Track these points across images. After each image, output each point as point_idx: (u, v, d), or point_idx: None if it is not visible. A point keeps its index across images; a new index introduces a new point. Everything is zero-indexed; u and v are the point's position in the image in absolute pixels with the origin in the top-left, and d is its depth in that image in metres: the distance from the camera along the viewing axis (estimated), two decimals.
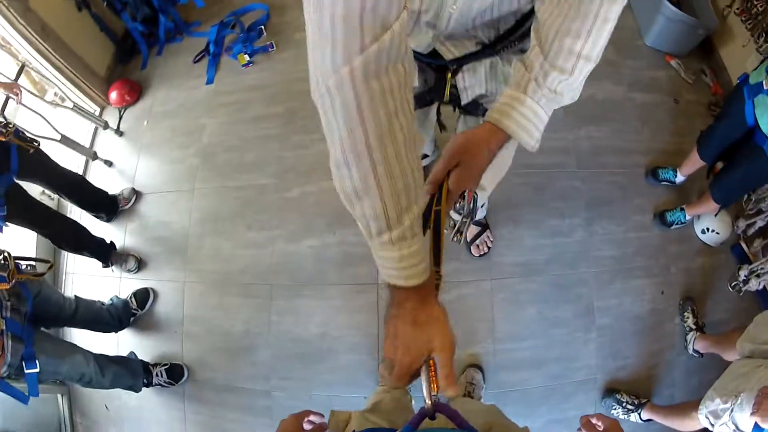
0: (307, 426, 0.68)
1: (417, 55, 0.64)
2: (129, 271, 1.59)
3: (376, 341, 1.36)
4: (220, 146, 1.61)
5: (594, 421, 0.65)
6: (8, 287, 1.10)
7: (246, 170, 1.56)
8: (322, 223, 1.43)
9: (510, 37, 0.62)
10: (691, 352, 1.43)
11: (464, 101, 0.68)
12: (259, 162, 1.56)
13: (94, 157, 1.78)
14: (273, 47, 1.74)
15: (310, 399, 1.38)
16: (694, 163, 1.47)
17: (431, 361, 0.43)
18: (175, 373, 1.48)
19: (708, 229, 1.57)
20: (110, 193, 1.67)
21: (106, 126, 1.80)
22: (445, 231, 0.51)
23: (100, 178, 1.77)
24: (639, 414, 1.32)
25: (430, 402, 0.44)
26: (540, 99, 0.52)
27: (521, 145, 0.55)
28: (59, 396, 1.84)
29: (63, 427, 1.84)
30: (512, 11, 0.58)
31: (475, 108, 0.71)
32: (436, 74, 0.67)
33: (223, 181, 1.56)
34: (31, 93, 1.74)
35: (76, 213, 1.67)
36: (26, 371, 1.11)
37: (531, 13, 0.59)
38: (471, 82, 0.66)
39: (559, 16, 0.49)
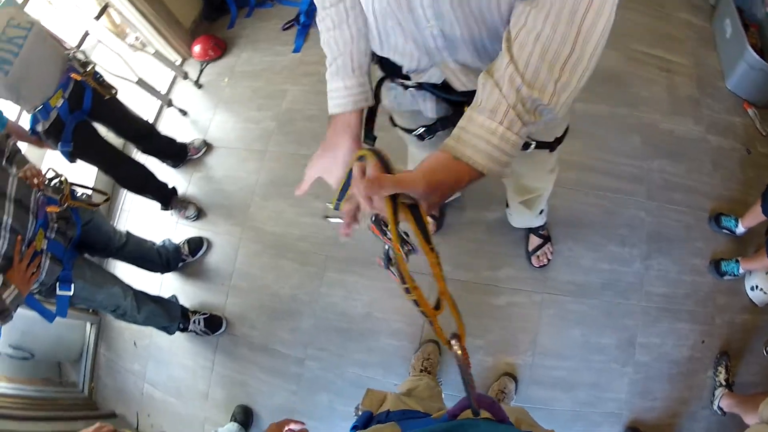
0: None
1: (432, 89, 0.64)
2: (187, 218, 1.62)
3: (419, 331, 1.36)
4: (300, 114, 1.64)
5: None
6: (58, 210, 1.12)
7: (321, 141, 1.58)
8: None
9: None
10: (715, 407, 1.39)
11: None
12: None
13: (169, 104, 1.82)
14: None
15: (341, 375, 1.38)
16: (756, 216, 1.44)
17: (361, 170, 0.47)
18: (213, 323, 1.50)
19: (757, 287, 1.53)
20: (180, 141, 1.70)
21: (185, 76, 1.85)
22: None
23: (172, 125, 1.81)
24: None
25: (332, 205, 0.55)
26: (518, 128, 0.44)
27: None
28: (88, 324, 1.89)
29: (85, 355, 1.88)
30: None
31: None
32: (452, 108, 0.66)
33: (297, 148, 1.59)
34: (111, 31, 1.79)
35: (142, 155, 1.71)
36: (58, 292, 1.12)
37: None
38: None
39: (535, 26, 0.43)
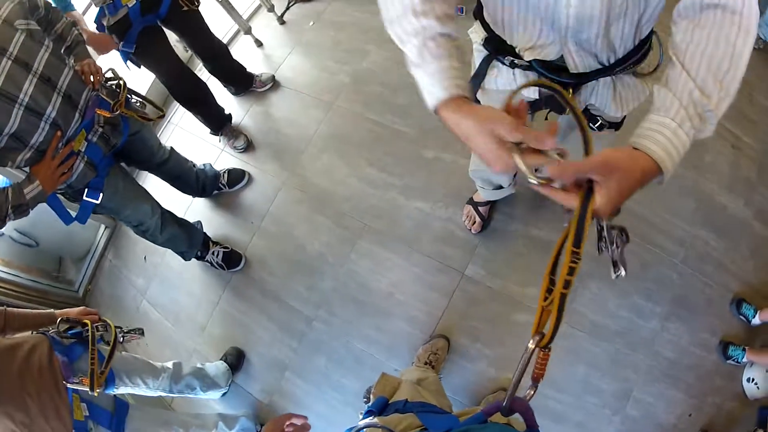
0: (288, 429, 0.67)
1: (541, 69, 0.64)
2: (235, 148, 1.59)
3: (435, 324, 1.36)
4: (376, 77, 1.61)
5: None
6: (109, 115, 1.07)
7: (392, 111, 1.56)
8: (441, 194, 1.43)
9: (629, 60, 0.63)
10: None
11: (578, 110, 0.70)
12: (408, 109, 1.55)
13: (248, 31, 1.78)
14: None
15: (345, 345, 1.37)
16: None
17: (516, 145, 0.46)
18: (231, 259, 1.47)
19: (752, 380, 1.55)
20: (249, 70, 1.67)
21: (271, 8, 1.80)
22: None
23: (245, 53, 1.77)
24: None
25: (532, 175, 0.46)
26: (688, 129, 0.49)
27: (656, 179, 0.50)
28: (101, 226, 1.85)
29: (90, 256, 1.85)
30: (632, 31, 0.58)
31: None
32: (555, 88, 0.66)
33: (365, 110, 1.56)
34: None
35: (204, 74, 1.68)
36: (85, 198, 1.07)
37: (648, 37, 0.63)
38: (585, 95, 0.69)
39: (700, 42, 0.49)
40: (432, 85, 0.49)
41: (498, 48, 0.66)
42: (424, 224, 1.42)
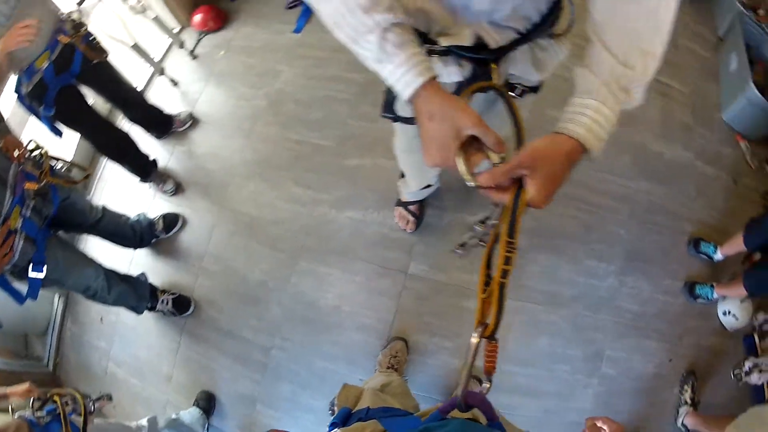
0: None
1: (460, 51, 0.62)
2: (165, 192, 1.58)
3: (388, 328, 1.35)
4: (290, 96, 1.60)
5: (600, 424, 0.63)
6: (37, 187, 1.06)
7: (309, 127, 1.56)
8: (370, 199, 1.42)
9: (545, 24, 0.62)
10: (679, 425, 1.42)
11: (500, 84, 0.69)
12: (324, 122, 1.55)
13: (162, 72, 1.77)
14: None
15: (306, 367, 1.37)
16: (735, 246, 1.47)
17: (463, 143, 0.48)
18: (181, 304, 1.46)
19: (729, 312, 1.56)
20: (167, 112, 1.66)
21: (181, 45, 1.79)
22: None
23: (161, 94, 1.76)
24: None
25: (470, 178, 0.49)
26: (612, 104, 0.50)
27: (588, 154, 0.52)
28: (56, 297, 1.84)
29: (51, 329, 1.83)
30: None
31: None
32: (478, 67, 0.66)
33: (283, 131, 1.56)
34: None
35: (126, 123, 1.67)
36: (30, 275, 1.07)
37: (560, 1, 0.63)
38: (504, 68, 0.68)
39: (620, 16, 0.49)
40: (405, 74, 0.48)
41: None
42: (359, 232, 1.41)
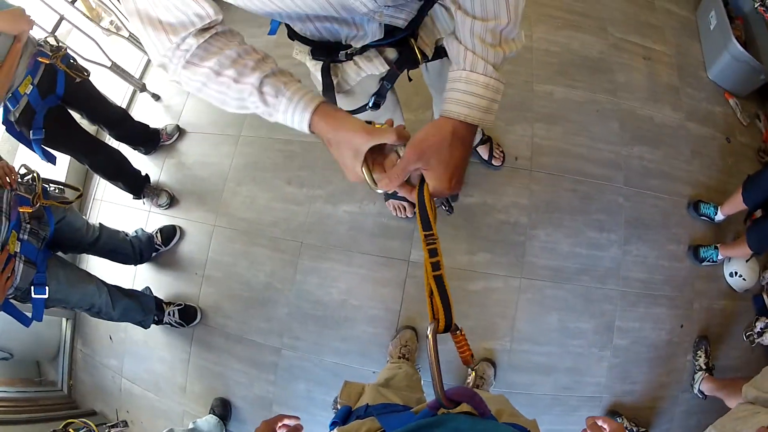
0: (281, 430, 0.67)
1: (375, 43, 0.63)
2: (160, 206, 1.58)
3: (396, 318, 1.35)
4: None
5: (600, 423, 0.62)
6: (31, 211, 1.08)
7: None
8: (364, 191, 1.42)
9: None
10: (695, 391, 1.42)
11: (431, 54, 0.69)
12: None
13: (143, 88, 1.77)
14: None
15: (318, 364, 1.37)
16: (736, 205, 1.45)
17: (367, 157, 0.49)
18: (187, 314, 1.46)
19: (736, 273, 1.55)
20: (153, 126, 1.66)
21: None
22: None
23: (145, 110, 1.76)
24: None
25: (374, 187, 0.50)
26: (483, 67, 0.48)
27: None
28: (63, 320, 1.84)
29: (62, 352, 1.83)
30: None
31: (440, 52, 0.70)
32: (398, 48, 0.66)
33: (270, 132, 1.55)
34: (86, 16, 1.73)
35: (114, 141, 1.67)
36: (33, 296, 1.09)
37: None
38: (427, 36, 0.68)
39: None
40: (293, 115, 0.50)
41: (329, 50, 0.65)
42: (357, 225, 1.41)
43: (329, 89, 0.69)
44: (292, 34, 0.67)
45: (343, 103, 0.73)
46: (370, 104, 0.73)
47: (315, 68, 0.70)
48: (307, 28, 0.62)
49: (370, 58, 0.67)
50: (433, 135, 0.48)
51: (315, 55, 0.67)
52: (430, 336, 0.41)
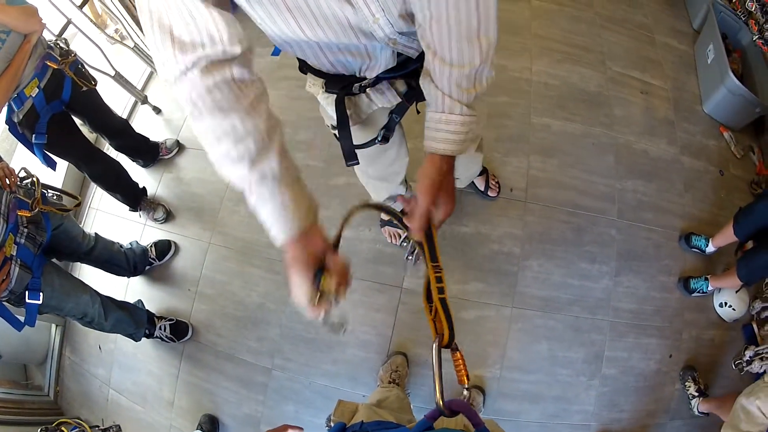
0: None
1: (387, 74, 0.64)
2: (156, 220, 1.58)
3: (387, 343, 1.35)
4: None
5: None
6: (29, 215, 1.08)
7: (296, 148, 1.56)
8: (360, 217, 1.42)
9: None
10: (697, 413, 1.44)
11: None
12: (311, 143, 1.55)
13: (144, 100, 1.77)
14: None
15: (309, 386, 1.37)
16: (727, 237, 1.48)
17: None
18: (178, 330, 1.46)
19: (726, 304, 1.57)
20: (152, 140, 1.66)
21: None
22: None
23: (145, 122, 1.76)
24: None
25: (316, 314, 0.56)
26: (460, 108, 0.53)
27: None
28: (53, 326, 1.83)
29: (50, 358, 1.82)
30: None
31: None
32: (408, 81, 0.69)
33: None
34: (92, 22, 1.73)
35: (112, 152, 1.67)
36: (27, 301, 1.08)
37: None
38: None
39: (441, 17, 0.47)
40: (275, 225, 0.52)
41: (344, 84, 0.66)
42: (352, 250, 1.41)
43: (343, 123, 0.70)
44: (305, 67, 0.68)
45: (357, 135, 0.74)
46: (379, 138, 0.75)
47: (326, 102, 0.72)
48: (320, 61, 0.63)
49: (381, 90, 0.69)
50: (432, 171, 0.55)
51: (329, 87, 0.68)
52: (434, 349, 0.47)
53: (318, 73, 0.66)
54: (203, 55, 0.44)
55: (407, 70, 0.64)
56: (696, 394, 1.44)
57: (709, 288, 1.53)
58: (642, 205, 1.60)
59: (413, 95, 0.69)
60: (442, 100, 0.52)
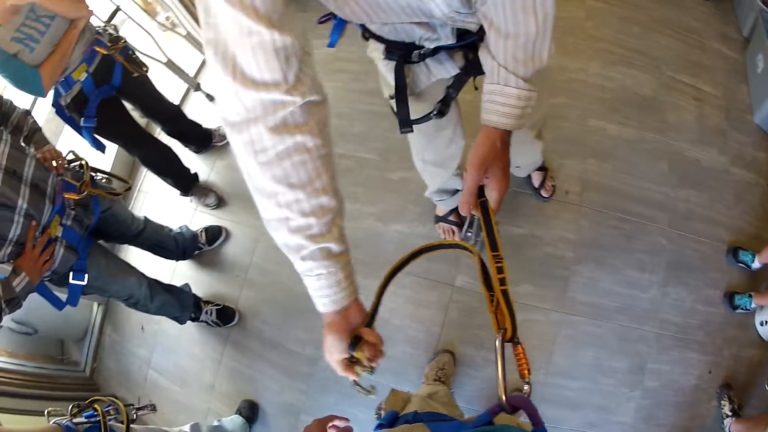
0: (331, 430, 0.67)
1: (447, 47, 0.64)
2: (207, 206, 1.60)
3: (435, 341, 1.35)
4: (331, 110, 1.58)
5: None
6: (77, 198, 1.08)
7: (351, 140, 1.56)
8: (414, 212, 1.43)
9: None
10: None
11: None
12: (366, 136, 1.56)
13: (197, 87, 1.79)
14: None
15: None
16: None
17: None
18: (225, 315, 1.48)
19: (766, 322, 1.54)
20: (205, 126, 1.68)
21: None
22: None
23: (198, 109, 1.78)
24: None
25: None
26: (515, 81, 0.52)
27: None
28: (95, 304, 1.86)
29: (90, 335, 1.85)
30: None
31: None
32: (467, 53, 0.68)
33: None
34: (142, 9, 1.75)
35: (164, 137, 1.69)
36: (71, 282, 1.09)
37: None
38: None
39: None
40: (322, 295, 0.54)
41: (404, 50, 0.67)
42: (406, 245, 1.41)
43: (402, 91, 0.70)
44: (367, 32, 0.69)
45: (414, 107, 0.75)
46: (435, 112, 0.75)
47: (387, 69, 0.72)
48: (382, 28, 0.64)
49: (440, 61, 0.69)
50: (488, 147, 0.54)
51: (389, 54, 0.69)
52: (498, 342, 0.46)
53: (379, 39, 0.67)
54: (268, 100, 0.40)
55: (466, 42, 0.64)
56: (729, 413, 1.42)
57: (753, 305, 1.50)
58: (693, 215, 1.57)
59: (471, 68, 0.69)
60: (497, 72, 0.52)
